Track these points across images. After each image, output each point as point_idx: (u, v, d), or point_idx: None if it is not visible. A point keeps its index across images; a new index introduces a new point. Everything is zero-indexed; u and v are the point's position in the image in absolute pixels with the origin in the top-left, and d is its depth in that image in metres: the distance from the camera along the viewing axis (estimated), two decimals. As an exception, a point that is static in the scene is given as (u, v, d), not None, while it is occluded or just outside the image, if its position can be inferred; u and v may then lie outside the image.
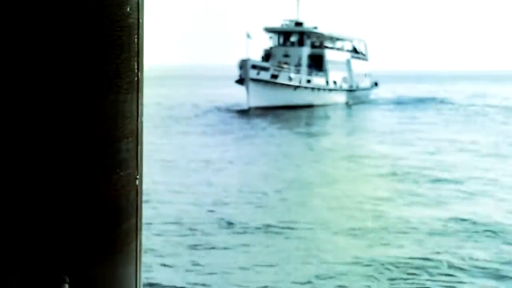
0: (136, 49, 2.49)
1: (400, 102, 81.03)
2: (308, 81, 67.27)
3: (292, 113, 59.28)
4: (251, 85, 60.38)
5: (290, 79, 64.51)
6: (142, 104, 2.57)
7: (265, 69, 61.78)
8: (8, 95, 2.31)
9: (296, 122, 52.31)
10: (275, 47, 72.02)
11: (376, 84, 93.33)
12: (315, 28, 73.11)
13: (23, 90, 2.31)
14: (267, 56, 71.37)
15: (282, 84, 63.42)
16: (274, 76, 62.53)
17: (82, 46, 2.33)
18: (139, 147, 2.56)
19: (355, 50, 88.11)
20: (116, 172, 2.46)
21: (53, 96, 2.33)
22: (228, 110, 63.25)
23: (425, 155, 33.68)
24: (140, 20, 2.52)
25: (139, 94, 2.54)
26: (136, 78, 2.49)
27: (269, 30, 72.98)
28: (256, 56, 69.10)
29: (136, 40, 2.49)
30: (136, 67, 2.49)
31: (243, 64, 60.52)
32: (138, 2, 2.52)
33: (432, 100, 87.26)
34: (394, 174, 27.24)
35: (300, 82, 65.73)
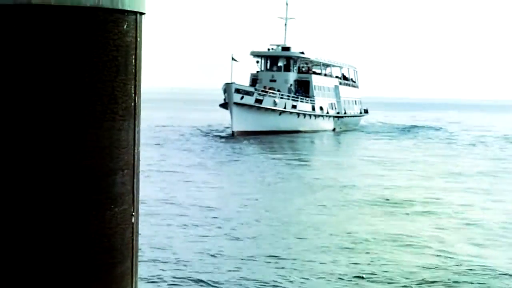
0: (133, 70, 2.32)
1: (388, 130, 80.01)
2: (294, 106, 66.41)
3: (276, 139, 58.24)
4: (235, 109, 59.68)
5: (275, 103, 63.59)
6: (139, 132, 2.35)
7: (249, 93, 60.87)
8: None
9: (279, 148, 51.15)
10: (261, 71, 71.28)
11: (366, 111, 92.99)
12: (302, 53, 72.65)
13: (9, 113, 2.02)
14: (254, 80, 71.36)
15: (266, 109, 62.50)
16: (259, 101, 61.88)
17: (73, 67, 2.11)
18: (135, 180, 2.36)
19: (344, 77, 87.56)
20: (111, 208, 2.24)
21: (39, 123, 2.03)
22: (212, 134, 62.22)
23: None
24: (138, 39, 2.34)
25: (136, 121, 2.33)
26: (133, 104, 2.31)
27: (255, 54, 72.06)
28: (244, 81, 68.32)
29: (133, 61, 2.31)
30: (133, 91, 2.31)
31: (226, 88, 59.34)
32: (136, 19, 2.28)
33: (421, 128, 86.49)
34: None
35: (285, 107, 64.73)
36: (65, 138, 2.11)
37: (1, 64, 2.07)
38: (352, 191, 29.61)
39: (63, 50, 2.12)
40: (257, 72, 72.20)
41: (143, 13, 2.36)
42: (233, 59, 60.20)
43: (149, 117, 78.98)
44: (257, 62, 72.45)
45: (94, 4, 2.16)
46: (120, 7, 2.24)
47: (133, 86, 2.27)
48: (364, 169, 38.62)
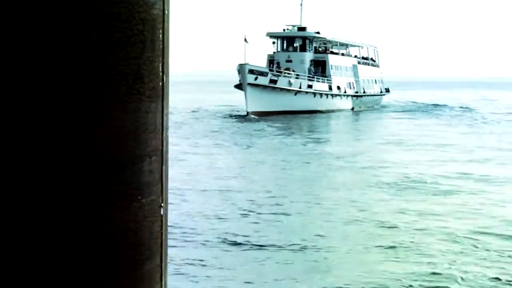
0: (161, 47, 2.06)
1: (410, 109, 79.02)
2: (309, 86, 65.96)
3: (292, 119, 57.88)
4: (249, 90, 59.58)
5: (290, 84, 63.18)
6: (167, 115, 2.13)
7: (264, 74, 60.54)
8: (5, 102, 1.91)
9: (296, 128, 50.75)
10: (277, 52, 71.03)
11: (387, 90, 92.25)
12: (318, 33, 72.29)
13: (21, 97, 1.87)
14: (270, 61, 71.23)
15: (281, 89, 62.22)
16: (273, 81, 61.61)
17: (95, 44, 1.91)
18: (164, 167, 2.12)
19: (364, 57, 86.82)
20: (138, 199, 2.03)
21: (59, 105, 1.89)
22: (227, 115, 62.06)
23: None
24: (166, 12, 2.08)
25: (164, 103, 2.10)
26: (161, 83, 2.07)
27: (271, 35, 71.72)
28: (261, 62, 68.08)
29: (161, 36, 2.06)
30: (160, 69, 2.07)
31: (240, 69, 59.21)
32: None
33: (444, 106, 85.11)
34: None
35: (300, 87, 64.28)
36: (85, 122, 1.88)
37: (14, 42, 1.92)
38: (375, 171, 29.08)
39: (82, 24, 1.87)
40: (274, 53, 71.81)
41: None
42: (245, 40, 60.23)
43: None
44: (273, 43, 72.50)
45: None
46: None
47: (160, 64, 2.04)
48: (383, 149, 38.16)
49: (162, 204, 2.12)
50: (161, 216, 2.13)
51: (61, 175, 1.91)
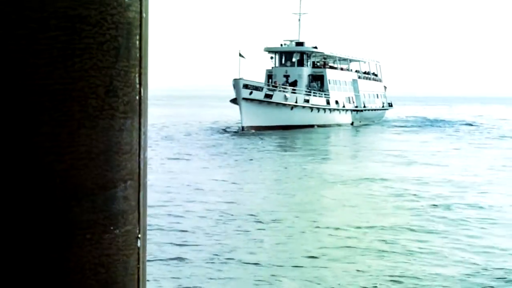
0: (138, 55, 1.80)
1: (412, 124, 78.49)
2: (306, 101, 65.61)
3: (289, 133, 57.60)
4: (244, 104, 59.63)
5: (285, 98, 62.78)
6: (145, 133, 1.86)
7: (258, 88, 60.33)
8: None
9: (292, 143, 50.46)
10: (275, 67, 71.00)
11: (390, 104, 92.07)
12: (315, 48, 72.12)
13: None
14: (269, 76, 71.11)
15: (277, 104, 61.86)
16: (268, 96, 61.23)
17: (60, 51, 1.66)
18: (141, 193, 1.86)
19: (365, 71, 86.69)
20: (110, 230, 1.78)
21: (15, 121, 1.64)
22: (222, 129, 61.90)
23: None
24: (144, 15, 1.82)
25: (142, 119, 1.84)
26: (137, 97, 1.81)
27: (269, 50, 71.77)
28: (260, 77, 68.02)
29: (138, 42, 1.80)
30: (137, 80, 1.81)
31: (235, 84, 59.18)
32: None
33: (447, 121, 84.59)
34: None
35: (296, 101, 63.94)
36: (48, 142, 1.62)
37: None
38: (371, 185, 28.91)
39: (45, 27, 1.62)
40: (272, 68, 71.68)
41: None
42: (240, 55, 60.61)
43: (156, 114, 78.86)
44: (271, 58, 72.46)
45: None
46: None
47: (137, 75, 1.74)
48: (380, 163, 37.92)
49: (139, 235, 1.84)
50: (138, 248, 1.84)
51: (19, 203, 1.64)
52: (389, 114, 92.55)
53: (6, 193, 1.64)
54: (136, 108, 1.80)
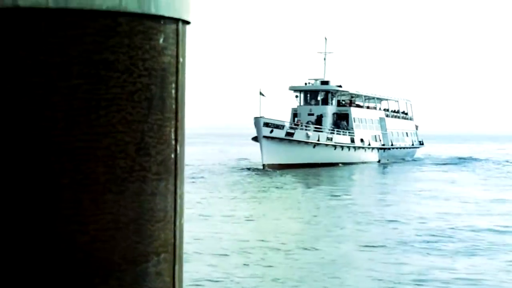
0: (173, 106, 1.53)
1: (443, 162, 77.45)
2: (329, 139, 65.12)
3: (311, 171, 57.24)
4: (265, 142, 59.87)
5: (307, 136, 62.53)
6: (182, 197, 1.58)
7: (279, 126, 60.25)
8: None
9: (314, 181, 50.10)
10: (300, 106, 71.13)
11: (421, 143, 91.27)
12: (340, 86, 72.12)
13: None
14: (295, 115, 71.35)
15: (299, 142, 61.54)
16: (290, 134, 61.10)
17: (83, 103, 1.38)
18: (177, 267, 1.59)
19: (394, 110, 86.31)
20: None
21: (34, 188, 1.38)
22: (242, 167, 61.76)
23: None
24: (181, 59, 1.55)
25: (178, 181, 1.56)
26: (173, 155, 1.54)
27: (294, 89, 71.93)
28: (286, 115, 69.26)
29: (173, 91, 1.52)
30: (173, 136, 1.53)
31: (255, 122, 59.34)
32: (177, 30, 1.53)
33: (480, 160, 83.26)
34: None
35: (318, 139, 63.62)
36: (69, 209, 1.36)
37: None
38: (398, 226, 28.44)
39: (66, 75, 1.36)
40: (297, 106, 71.79)
41: (188, 22, 1.59)
42: (261, 93, 60.62)
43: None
44: (296, 96, 72.41)
45: (113, 7, 1.39)
46: (153, 11, 1.46)
47: (173, 129, 1.49)
48: (407, 202, 37.44)
49: None
50: None
51: (36, 282, 1.38)
52: (422, 152, 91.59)
53: (21, 269, 1.38)
54: (171, 168, 1.52)
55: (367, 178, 57.09)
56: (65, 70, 1.35)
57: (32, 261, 1.36)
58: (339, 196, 39.69)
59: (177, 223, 1.56)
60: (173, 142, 1.52)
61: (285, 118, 68.41)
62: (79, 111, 1.36)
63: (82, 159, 1.37)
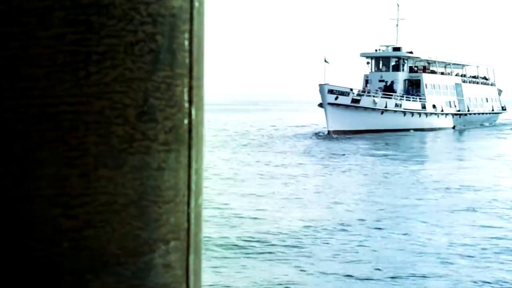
0: (186, 60, 1.18)
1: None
2: (397, 105, 64.32)
3: (380, 137, 56.87)
4: (329, 109, 60.38)
5: (374, 103, 62.09)
6: (199, 173, 1.24)
7: (345, 93, 60.03)
8: None
9: (383, 146, 49.93)
10: (371, 72, 70.73)
11: (503, 108, 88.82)
12: (411, 52, 71.25)
13: None
14: (366, 81, 71.45)
15: (366, 108, 61.13)
16: (355, 101, 61.10)
17: (69, 57, 1.08)
18: (191, 258, 1.24)
19: (473, 75, 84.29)
20: None
21: (10, 164, 1.10)
22: (308, 134, 61.93)
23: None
24: (196, 3, 1.20)
25: (193, 152, 1.21)
26: (186, 121, 1.19)
27: (365, 56, 72.13)
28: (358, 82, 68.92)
29: (187, 42, 1.18)
30: (186, 97, 1.19)
31: (320, 89, 59.47)
32: None
33: None
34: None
35: (386, 106, 62.93)
36: (51, 188, 1.13)
37: None
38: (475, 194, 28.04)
39: (44, 22, 1.11)
40: (369, 73, 71.30)
41: None
42: (325, 61, 60.42)
43: (242, 120, 78.47)
44: (367, 63, 71.85)
45: None
46: None
47: (186, 89, 1.20)
48: (481, 169, 36.88)
49: None
50: None
51: (13, 279, 1.12)
52: (503, 117, 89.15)
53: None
54: (184, 137, 1.21)
55: (440, 144, 56.37)
56: (45, 17, 1.08)
57: (5, 253, 1.09)
58: (414, 163, 39.41)
59: (192, 204, 1.24)
60: (187, 104, 1.21)
61: (359, 85, 68.15)
62: (64, 67, 1.09)
63: (68, 127, 1.08)
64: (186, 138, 1.19)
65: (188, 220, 1.21)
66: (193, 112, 1.19)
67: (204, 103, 1.23)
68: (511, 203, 24.75)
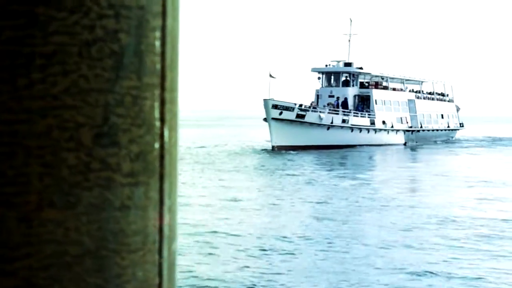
0: (158, 66, 0.93)
1: (482, 145, 75.76)
2: (344, 121, 63.96)
3: (323, 153, 56.50)
4: (273, 124, 60.05)
5: (320, 118, 61.69)
6: (173, 211, 0.97)
7: (289, 108, 59.60)
8: None
9: (325, 162, 49.76)
10: (322, 88, 70.94)
11: (461, 125, 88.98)
12: (360, 68, 71.20)
13: None
14: (318, 96, 71.21)
15: (311, 124, 60.67)
16: (300, 116, 60.69)
17: (6, 60, 0.82)
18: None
19: (429, 92, 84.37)
20: None
21: None
22: (252, 149, 61.48)
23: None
24: (168, 7, 0.94)
25: (166, 186, 0.97)
26: (157, 144, 0.94)
27: (315, 70, 72.17)
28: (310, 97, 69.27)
29: (158, 43, 0.93)
30: (157, 114, 0.93)
31: (264, 104, 59.58)
32: None
33: None
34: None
35: (332, 122, 62.51)
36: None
37: None
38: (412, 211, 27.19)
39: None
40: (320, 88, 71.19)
41: None
42: (270, 75, 60.14)
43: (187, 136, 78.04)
44: (318, 78, 71.64)
45: None
46: None
47: (157, 104, 0.89)
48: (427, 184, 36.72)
49: None
50: None
51: None
52: (460, 134, 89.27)
53: None
54: (154, 166, 0.94)
55: (387, 159, 56.07)
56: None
57: None
58: (354, 179, 38.99)
59: (165, 253, 0.96)
60: (158, 123, 0.93)
61: (309, 100, 67.72)
62: (1, 74, 0.83)
63: (4, 153, 0.83)
64: (157, 167, 0.95)
65: (160, 274, 0.98)
66: (166, 133, 0.96)
67: (179, 121, 0.98)
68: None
